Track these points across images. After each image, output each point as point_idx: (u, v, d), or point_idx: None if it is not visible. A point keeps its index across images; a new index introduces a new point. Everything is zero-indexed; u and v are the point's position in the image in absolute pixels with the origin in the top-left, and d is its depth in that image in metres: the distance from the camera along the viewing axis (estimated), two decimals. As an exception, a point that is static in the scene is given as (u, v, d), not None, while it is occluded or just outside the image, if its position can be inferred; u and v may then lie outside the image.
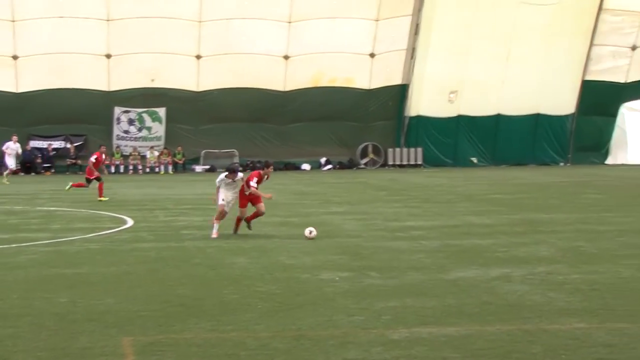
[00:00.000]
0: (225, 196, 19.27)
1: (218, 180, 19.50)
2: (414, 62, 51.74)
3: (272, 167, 19.76)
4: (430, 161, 53.19)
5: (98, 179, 29.64)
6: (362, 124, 52.95)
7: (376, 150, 53.33)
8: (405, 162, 53.19)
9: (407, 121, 53.31)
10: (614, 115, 54.54)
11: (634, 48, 53.15)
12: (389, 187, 33.15)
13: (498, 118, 53.56)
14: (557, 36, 51.76)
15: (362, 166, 52.32)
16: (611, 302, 11.56)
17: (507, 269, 14.16)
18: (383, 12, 50.64)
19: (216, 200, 19.46)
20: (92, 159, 30.37)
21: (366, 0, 50.39)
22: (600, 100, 53.23)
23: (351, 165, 52.54)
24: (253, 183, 19.14)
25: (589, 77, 53.44)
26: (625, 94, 54.08)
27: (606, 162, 54.56)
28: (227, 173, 19.44)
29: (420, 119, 53.17)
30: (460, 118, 53.35)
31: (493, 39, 51.17)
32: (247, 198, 19.28)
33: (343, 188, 35.21)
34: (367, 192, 32.96)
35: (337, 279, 13.47)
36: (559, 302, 11.58)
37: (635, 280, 13.22)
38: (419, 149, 53.24)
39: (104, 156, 31.46)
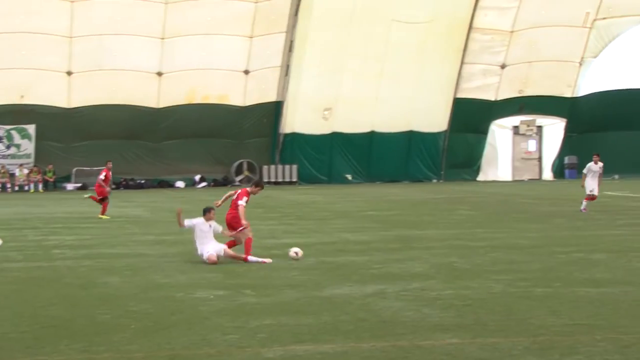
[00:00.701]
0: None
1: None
2: (289, 79, 51.98)
3: (261, 187, 18.91)
4: (305, 178, 53.41)
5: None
6: (237, 141, 52.85)
7: (251, 167, 53.26)
8: (280, 179, 53.28)
9: (281, 138, 53.46)
10: (484, 132, 55.93)
11: (503, 66, 54.68)
12: (264, 204, 33.13)
13: (372, 135, 54.21)
14: (429, 54, 52.83)
15: (237, 183, 52.21)
16: (483, 317, 11.80)
17: (381, 285, 14.31)
18: (257, 29, 50.76)
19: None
20: None
21: (240, 17, 50.39)
22: (472, 118, 54.50)
23: (226, 182, 52.33)
24: (242, 202, 18.06)
25: (460, 95, 54.68)
26: (495, 111, 55.57)
27: (477, 178, 55.84)
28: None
29: (295, 135, 53.38)
30: (334, 135, 53.78)
31: (366, 57, 51.85)
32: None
33: (218, 205, 34.98)
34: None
35: (211, 297, 13.38)
36: (433, 317, 11.76)
37: (507, 295, 13.54)
38: (294, 166, 53.43)
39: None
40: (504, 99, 55.45)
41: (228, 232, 17.98)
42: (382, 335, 10.70)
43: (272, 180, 53.01)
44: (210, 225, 17.47)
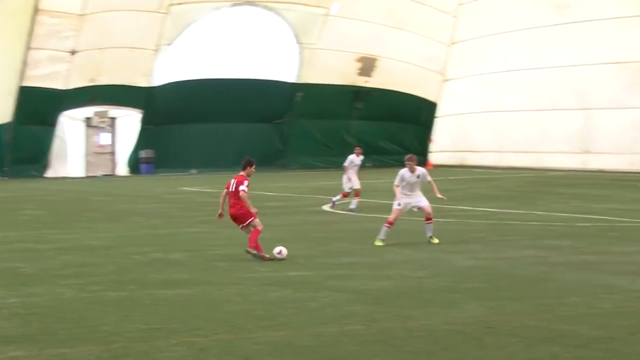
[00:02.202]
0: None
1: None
2: None
3: (254, 165, 18.31)
4: None
5: None
6: None
7: None
8: None
9: None
10: (53, 124, 54.91)
11: (73, 52, 53.90)
12: None
13: None
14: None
15: None
16: (52, 326, 11.62)
17: None
18: None
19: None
20: None
21: None
22: (39, 108, 53.21)
23: None
24: (244, 187, 17.60)
25: (26, 83, 53.22)
26: (65, 101, 54.65)
27: (46, 174, 54.72)
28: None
29: None
30: None
31: None
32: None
33: None
34: None
35: None
36: (-5, 329, 11.39)
37: (77, 300, 13.44)
38: None
39: None
40: (75, 88, 54.70)
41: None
42: None
43: None
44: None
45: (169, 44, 55.22)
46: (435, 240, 19.74)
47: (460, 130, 60.60)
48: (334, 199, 29.55)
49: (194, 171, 54.32)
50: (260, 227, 17.93)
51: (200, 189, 40.62)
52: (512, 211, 27.57)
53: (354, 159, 29.94)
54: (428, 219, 19.92)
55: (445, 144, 61.39)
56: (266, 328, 11.47)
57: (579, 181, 42.16)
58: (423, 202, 20.04)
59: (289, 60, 57.92)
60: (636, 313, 11.95)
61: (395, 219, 19.91)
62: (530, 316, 11.86)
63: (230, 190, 18.05)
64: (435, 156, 61.09)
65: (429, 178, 20.17)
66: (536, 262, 16.81)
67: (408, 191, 19.95)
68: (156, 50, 55.27)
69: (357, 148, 30.51)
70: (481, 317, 11.86)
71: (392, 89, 59.66)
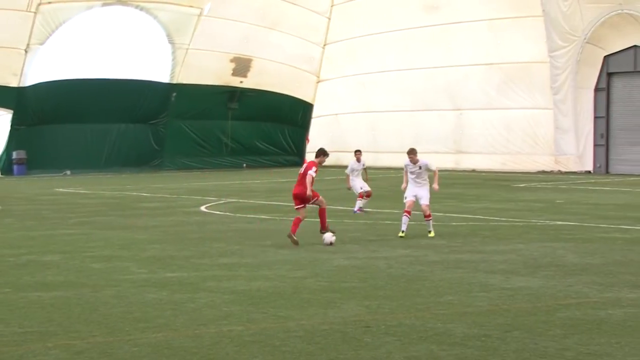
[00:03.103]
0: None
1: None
2: None
3: (326, 155, 20.89)
4: None
5: None
6: None
7: None
8: None
9: None
10: None
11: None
12: None
13: None
14: None
15: None
16: None
17: None
18: None
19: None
20: None
21: None
22: None
23: None
24: (312, 172, 19.87)
25: None
26: None
27: None
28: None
29: None
30: None
31: None
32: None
33: None
34: None
35: None
36: None
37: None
38: None
39: None
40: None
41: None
42: None
43: None
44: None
45: (41, 44, 54.12)
46: (432, 234, 21.23)
47: (335, 130, 61.06)
48: (357, 207, 28.12)
49: (67, 172, 53.36)
50: (324, 205, 20.37)
51: (75, 190, 39.97)
52: (389, 211, 27.89)
53: (355, 165, 28.94)
54: (427, 216, 21.51)
55: (322, 144, 61.45)
56: (144, 330, 11.36)
57: (453, 181, 42.91)
58: (424, 200, 21.61)
59: (163, 61, 57.40)
60: (511, 311, 12.23)
61: (409, 208, 21.47)
62: (406, 315, 12.02)
63: (300, 172, 20.36)
64: (312, 156, 61.35)
65: (433, 168, 22.04)
66: (412, 262, 17.06)
67: (415, 180, 21.86)
68: (27, 50, 54.15)
69: (357, 153, 29.33)
70: (359, 316, 11.98)
71: (267, 89, 59.68)
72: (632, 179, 44.56)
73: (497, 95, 52.89)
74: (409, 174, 21.97)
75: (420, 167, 21.72)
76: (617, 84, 50.58)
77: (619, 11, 48.13)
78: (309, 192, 19.91)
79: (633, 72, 49.68)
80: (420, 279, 14.98)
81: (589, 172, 49.93)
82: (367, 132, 59.11)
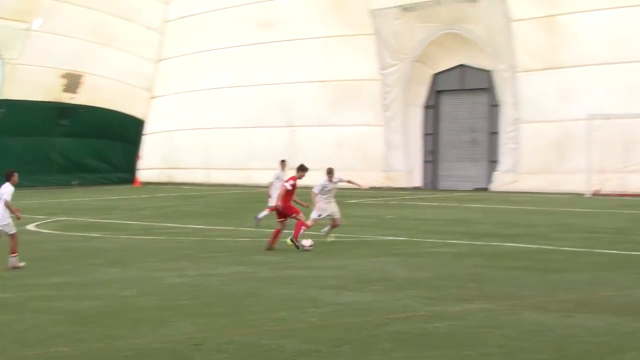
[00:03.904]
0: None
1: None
2: None
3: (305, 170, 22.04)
4: None
5: None
6: None
7: None
8: None
9: None
10: None
11: None
12: None
13: None
14: None
15: None
16: None
17: None
18: None
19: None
20: None
21: None
22: None
23: None
24: (287, 184, 21.31)
25: None
26: None
27: None
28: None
29: None
30: None
31: None
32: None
33: None
34: None
35: None
36: None
37: None
38: None
39: None
40: None
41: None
42: None
43: None
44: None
45: None
46: (331, 238, 22.96)
47: (168, 147, 60.59)
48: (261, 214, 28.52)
49: None
50: (302, 220, 21.36)
51: None
52: (221, 228, 27.83)
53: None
54: (335, 226, 23.07)
55: (154, 161, 61.14)
56: (-34, 354, 10.97)
57: (285, 197, 43.08)
58: (337, 214, 22.93)
59: (-10, 75, 55.80)
60: (341, 325, 12.35)
61: (311, 226, 22.52)
62: (238, 331, 11.99)
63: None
64: (144, 173, 60.73)
65: (345, 178, 23.31)
66: (245, 278, 17.05)
67: (327, 199, 22.78)
68: None
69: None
70: (190, 334, 11.88)
71: (99, 105, 58.71)
72: (458, 194, 45.83)
73: (330, 112, 53.57)
74: (321, 194, 22.83)
75: (335, 183, 22.90)
76: (445, 101, 52.01)
77: (447, 31, 49.50)
78: (278, 202, 21.42)
79: (460, 90, 51.20)
80: (253, 296, 14.98)
81: (418, 187, 51.05)
82: (200, 149, 58.89)
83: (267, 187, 29.70)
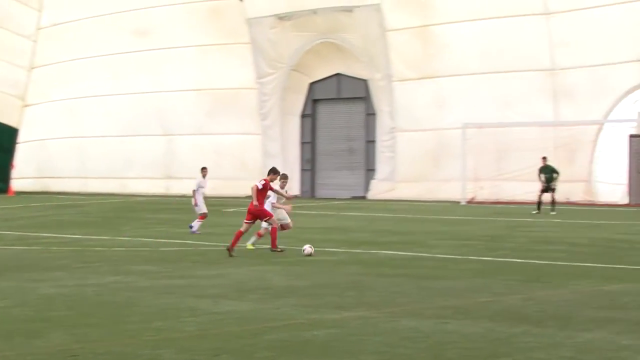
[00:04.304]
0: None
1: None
2: None
3: (278, 174, 22.17)
4: None
5: None
6: None
7: None
8: None
9: None
10: None
11: None
12: None
13: None
14: None
15: None
16: None
17: None
18: None
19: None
20: None
21: None
22: None
23: None
24: (258, 182, 21.39)
25: None
26: None
27: None
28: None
29: None
30: None
31: None
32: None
33: None
34: None
35: None
36: None
37: None
38: None
39: None
40: None
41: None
42: None
43: None
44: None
45: None
46: (252, 246, 22.81)
47: (43, 156, 59.49)
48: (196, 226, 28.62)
49: None
50: (276, 225, 21.79)
51: None
52: (97, 237, 27.43)
53: (201, 182, 29.54)
54: (283, 228, 22.92)
55: (28, 170, 59.95)
56: None
57: (163, 206, 42.79)
58: (288, 219, 23.14)
59: None
60: (220, 335, 12.29)
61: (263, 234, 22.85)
62: (115, 342, 11.83)
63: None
64: (18, 183, 59.46)
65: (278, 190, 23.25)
66: (122, 288, 16.82)
67: (275, 204, 22.67)
68: None
69: (205, 170, 30.07)
70: (66, 345, 11.65)
71: (-32, 114, 57.35)
72: (336, 202, 46.16)
73: (208, 120, 53.37)
74: (268, 198, 22.68)
75: (286, 191, 23.37)
76: (322, 110, 52.40)
77: (323, 40, 49.89)
78: (255, 202, 21.30)
79: (336, 99, 51.65)
80: (130, 305, 14.79)
81: (297, 196, 51.25)
82: (76, 157, 57.97)
83: (192, 196, 29.77)
